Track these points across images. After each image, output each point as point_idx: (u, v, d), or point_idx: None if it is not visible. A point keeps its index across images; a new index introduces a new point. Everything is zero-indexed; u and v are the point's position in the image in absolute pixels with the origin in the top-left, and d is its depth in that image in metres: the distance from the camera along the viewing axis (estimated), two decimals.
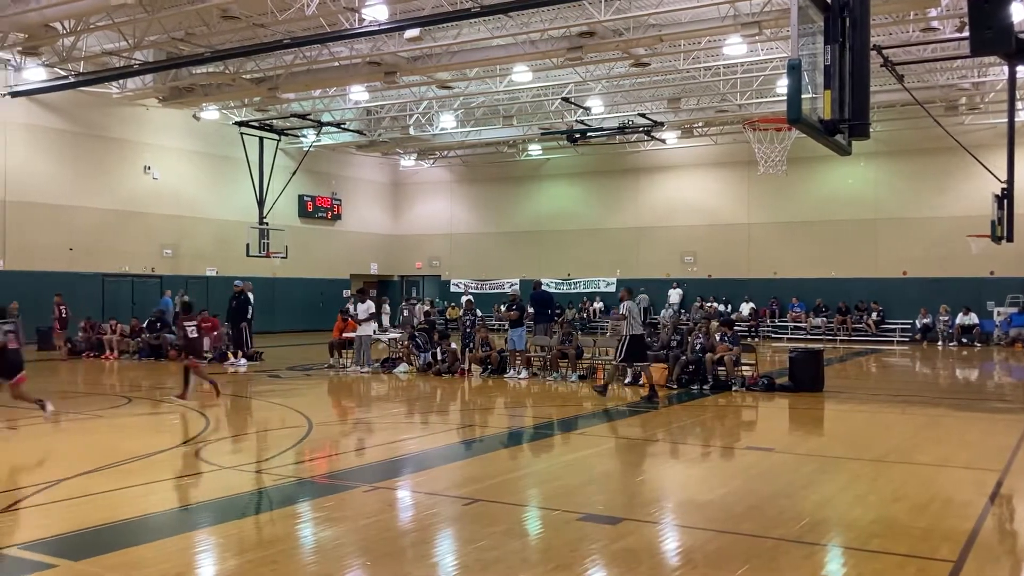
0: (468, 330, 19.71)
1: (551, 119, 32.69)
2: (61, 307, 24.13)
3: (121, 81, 26.89)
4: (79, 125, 28.85)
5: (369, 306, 20.08)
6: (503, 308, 21.70)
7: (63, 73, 25.64)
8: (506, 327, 20.26)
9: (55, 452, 10.22)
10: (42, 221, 27.64)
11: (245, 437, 11.98)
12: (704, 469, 9.95)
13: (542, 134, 33.99)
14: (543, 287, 21.57)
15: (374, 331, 20.76)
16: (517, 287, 30.51)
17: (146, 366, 21.82)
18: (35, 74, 25.66)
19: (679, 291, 34.70)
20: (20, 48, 23.21)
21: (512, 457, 10.54)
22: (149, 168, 31.08)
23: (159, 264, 31.23)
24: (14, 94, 26.42)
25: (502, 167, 39.43)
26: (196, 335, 14.69)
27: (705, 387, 15.97)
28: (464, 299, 28.42)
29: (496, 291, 38.19)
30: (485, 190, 40.42)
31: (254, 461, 9.94)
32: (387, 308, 32.49)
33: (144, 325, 24.10)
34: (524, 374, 18.18)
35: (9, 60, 25.42)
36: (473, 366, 18.74)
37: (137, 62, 24.43)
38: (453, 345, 19.60)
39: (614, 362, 15.42)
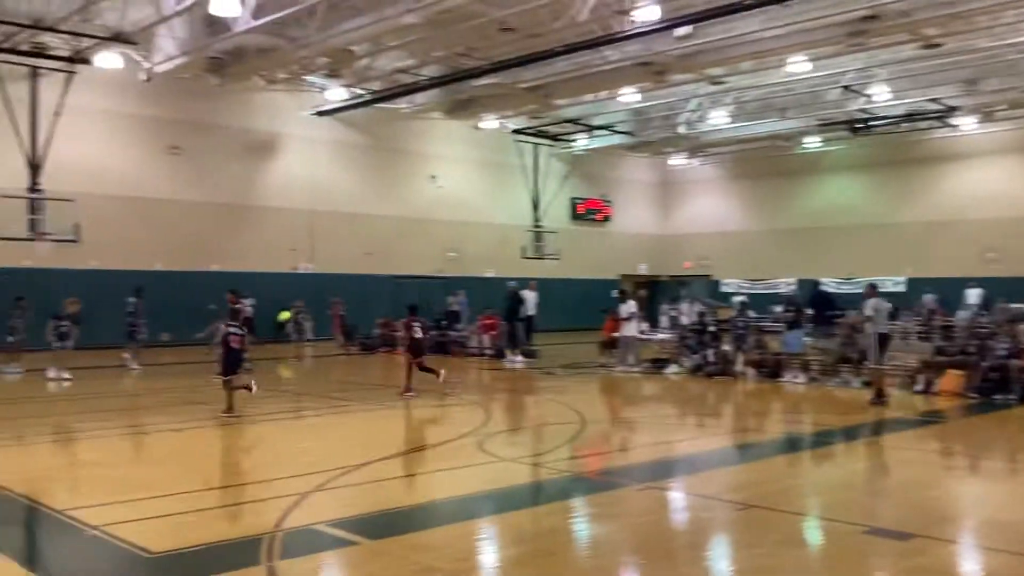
0: (741, 332, 19.21)
1: (830, 109, 31.02)
2: (338, 307, 26.52)
3: (410, 96, 28.91)
4: (374, 139, 31.44)
5: (630, 306, 20.16)
6: (778, 309, 20.92)
7: (360, 92, 28.03)
8: (782, 329, 19.53)
9: (353, 439, 11.19)
10: (343, 228, 30.42)
11: (522, 431, 12.46)
12: (1008, 487, 9.04)
13: (820, 125, 32.33)
14: (822, 287, 20.57)
15: (640, 331, 20.78)
16: (794, 287, 29.30)
17: (433, 361, 23.22)
18: (337, 94, 28.26)
19: (979, 291, 31.60)
20: (325, 71, 25.73)
21: (789, 464, 10.17)
22: (434, 177, 33.23)
23: (444, 266, 33.25)
24: (320, 113, 29.31)
25: (776, 162, 37.96)
26: (421, 335, 15.24)
27: (1010, 397, 14.47)
28: (736, 300, 27.71)
29: (770, 291, 36.77)
30: (758, 186, 39.14)
31: (531, 455, 10.32)
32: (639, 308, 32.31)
33: (431, 323, 25.75)
34: (801, 378, 17.42)
35: (315, 83, 28.19)
36: (747, 369, 18.25)
37: (424, 78, 26.20)
38: (725, 347, 19.20)
39: (872, 364, 14.57)
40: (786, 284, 34.77)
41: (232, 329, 12.81)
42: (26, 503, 7.60)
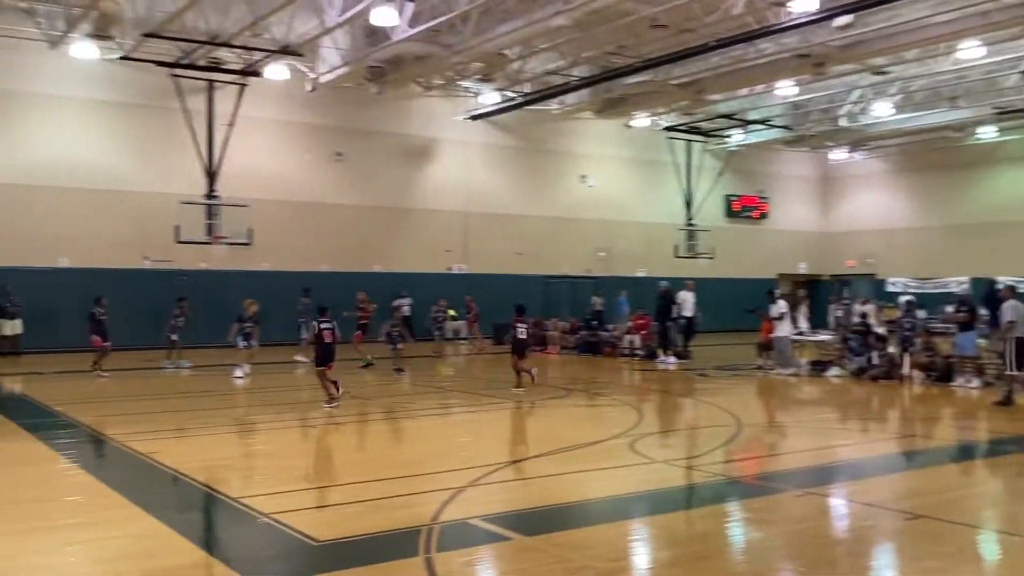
0: (908, 333, 18.27)
1: (1007, 96, 29.05)
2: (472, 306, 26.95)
3: (561, 97, 29.08)
4: (525, 141, 31.81)
5: (781, 306, 19.54)
6: (950, 309, 19.77)
7: (512, 95, 28.43)
8: (953, 330, 18.44)
9: (510, 436, 11.38)
10: (496, 229, 30.94)
11: (675, 433, 12.32)
12: None
13: (997, 114, 30.32)
14: (998, 286, 19.29)
15: (794, 332, 20.12)
16: (967, 286, 27.62)
17: (583, 361, 23.33)
18: (489, 98, 28.78)
19: None
20: (478, 76, 26.27)
21: (963, 473, 9.62)
22: (585, 177, 33.27)
23: (594, 266, 33.24)
24: (474, 117, 29.93)
25: (946, 153, 35.83)
26: (524, 336, 15.49)
27: None
28: (903, 299, 26.37)
29: (940, 290, 34.76)
30: (926, 180, 37.07)
31: (684, 457, 10.19)
32: (804, 309, 31.10)
33: (582, 323, 25.83)
34: (975, 383, 16.39)
35: (469, 88, 28.80)
36: (914, 372, 17.34)
37: (575, 78, 26.29)
38: (891, 349, 18.31)
39: (1008, 372, 13.85)
40: (957, 283, 32.79)
41: (324, 324, 13.44)
42: (205, 491, 8.15)
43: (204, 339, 24.34)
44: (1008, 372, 13.91)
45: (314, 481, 8.30)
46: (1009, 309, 13.67)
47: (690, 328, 22.76)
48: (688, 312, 22.54)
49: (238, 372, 18.04)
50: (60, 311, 23.49)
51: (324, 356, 13.40)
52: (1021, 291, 15.13)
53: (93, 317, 18.24)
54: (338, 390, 13.33)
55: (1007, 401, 13.73)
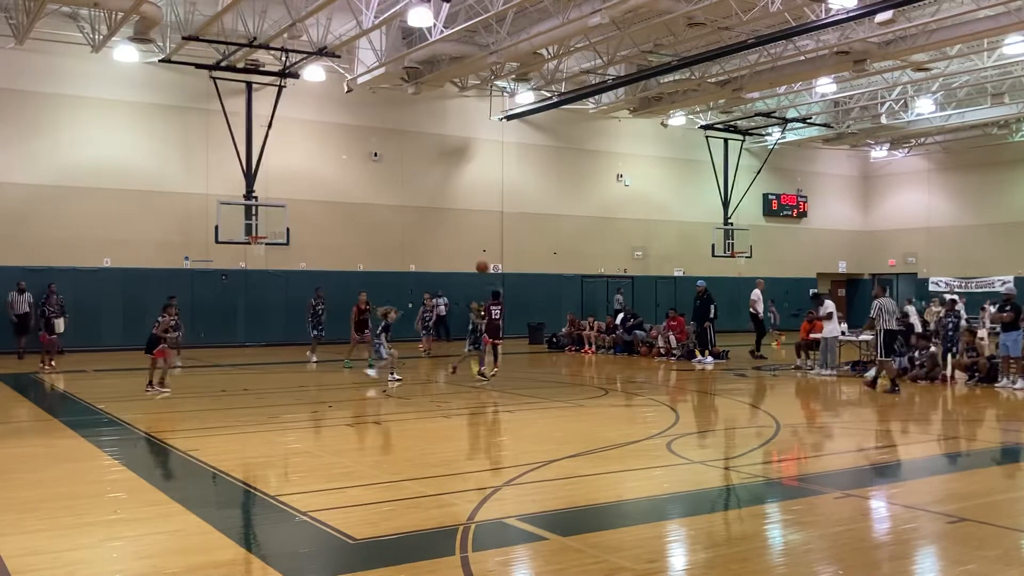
0: (951, 333, 17.96)
1: None
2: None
3: (596, 96, 29.01)
4: (560, 140, 31.75)
5: (829, 305, 19.30)
6: (994, 309, 19.38)
7: (547, 94, 28.40)
8: (998, 330, 18.09)
9: (545, 435, 11.35)
10: (531, 229, 30.94)
11: (713, 433, 12.22)
12: None
13: None
14: None
15: (842, 332, 19.88)
16: (1011, 285, 27.10)
17: (619, 360, 23.24)
18: (525, 98, 28.77)
19: None
20: (513, 76, 26.27)
21: (1008, 475, 9.43)
22: (621, 176, 33.14)
23: (630, 265, 33.10)
24: (509, 117, 29.94)
25: (990, 151, 35.22)
26: (498, 318, 16.79)
27: None
28: (947, 298, 25.95)
29: (984, 289, 34.19)
30: (969, 178, 36.45)
31: (722, 458, 10.10)
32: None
33: (618, 322, 25.72)
34: (1020, 384, 16.09)
35: (505, 87, 28.81)
36: (957, 373, 17.05)
37: (610, 77, 26.20)
38: (933, 349, 18.02)
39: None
40: (1002, 282, 32.20)
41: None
42: (243, 488, 8.24)
43: (241, 340, 24.66)
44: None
45: (351, 479, 8.35)
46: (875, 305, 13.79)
47: (760, 327, 22.67)
48: (759, 310, 22.62)
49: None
50: (103, 310, 23.93)
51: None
52: None
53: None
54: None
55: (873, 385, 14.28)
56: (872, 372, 16.76)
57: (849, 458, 10.19)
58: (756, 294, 22.92)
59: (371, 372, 17.44)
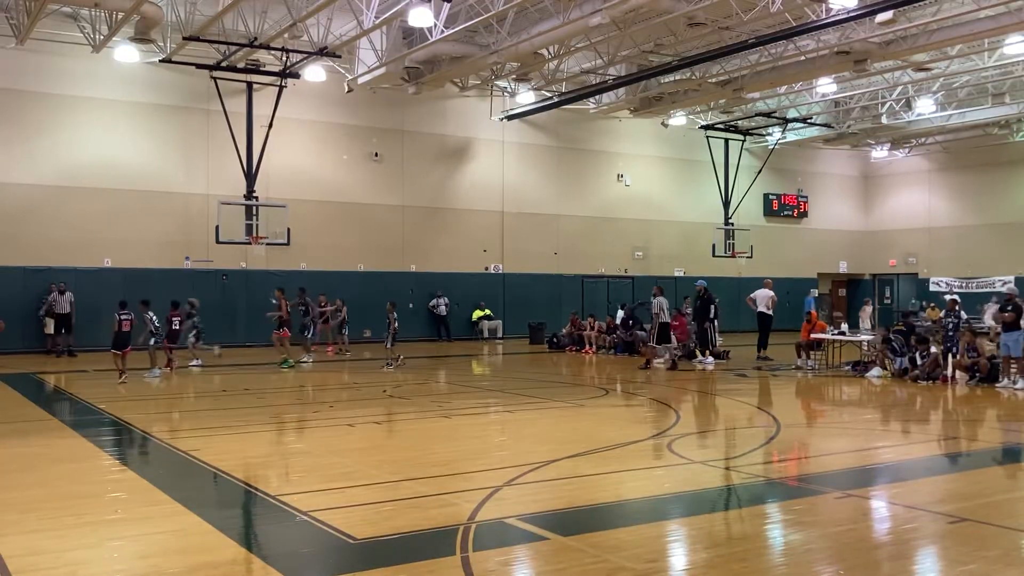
0: (951, 333, 17.95)
1: None
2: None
3: (597, 96, 29.00)
4: (561, 140, 31.75)
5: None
6: (995, 309, 19.39)
7: (548, 94, 28.40)
8: (998, 330, 18.08)
9: (546, 435, 11.35)
10: (531, 229, 30.93)
11: (713, 433, 12.22)
12: None
13: None
14: None
15: (842, 332, 19.89)
16: (1012, 285, 27.09)
17: (620, 361, 23.22)
18: (525, 98, 28.77)
19: None
20: (514, 76, 26.26)
21: (1009, 476, 9.43)
22: (621, 176, 33.14)
23: (631, 265, 33.09)
24: (509, 117, 29.94)
25: (990, 151, 35.22)
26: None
27: None
28: (947, 298, 25.94)
29: (984, 290, 34.18)
30: (970, 178, 36.45)
31: (723, 458, 10.10)
32: (868, 310, 30.60)
33: (618, 322, 25.72)
34: (1021, 384, 16.08)
35: (505, 87, 28.80)
36: (958, 373, 17.05)
37: (611, 77, 26.20)
38: (934, 349, 18.02)
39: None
40: (1003, 282, 32.20)
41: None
42: (244, 488, 8.24)
43: (242, 340, 24.63)
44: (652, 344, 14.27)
45: (351, 479, 8.35)
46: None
47: (766, 327, 22.50)
48: (765, 309, 22.42)
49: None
50: (103, 310, 23.90)
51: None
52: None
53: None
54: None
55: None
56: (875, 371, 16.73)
57: (850, 458, 10.19)
58: (760, 293, 22.80)
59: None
